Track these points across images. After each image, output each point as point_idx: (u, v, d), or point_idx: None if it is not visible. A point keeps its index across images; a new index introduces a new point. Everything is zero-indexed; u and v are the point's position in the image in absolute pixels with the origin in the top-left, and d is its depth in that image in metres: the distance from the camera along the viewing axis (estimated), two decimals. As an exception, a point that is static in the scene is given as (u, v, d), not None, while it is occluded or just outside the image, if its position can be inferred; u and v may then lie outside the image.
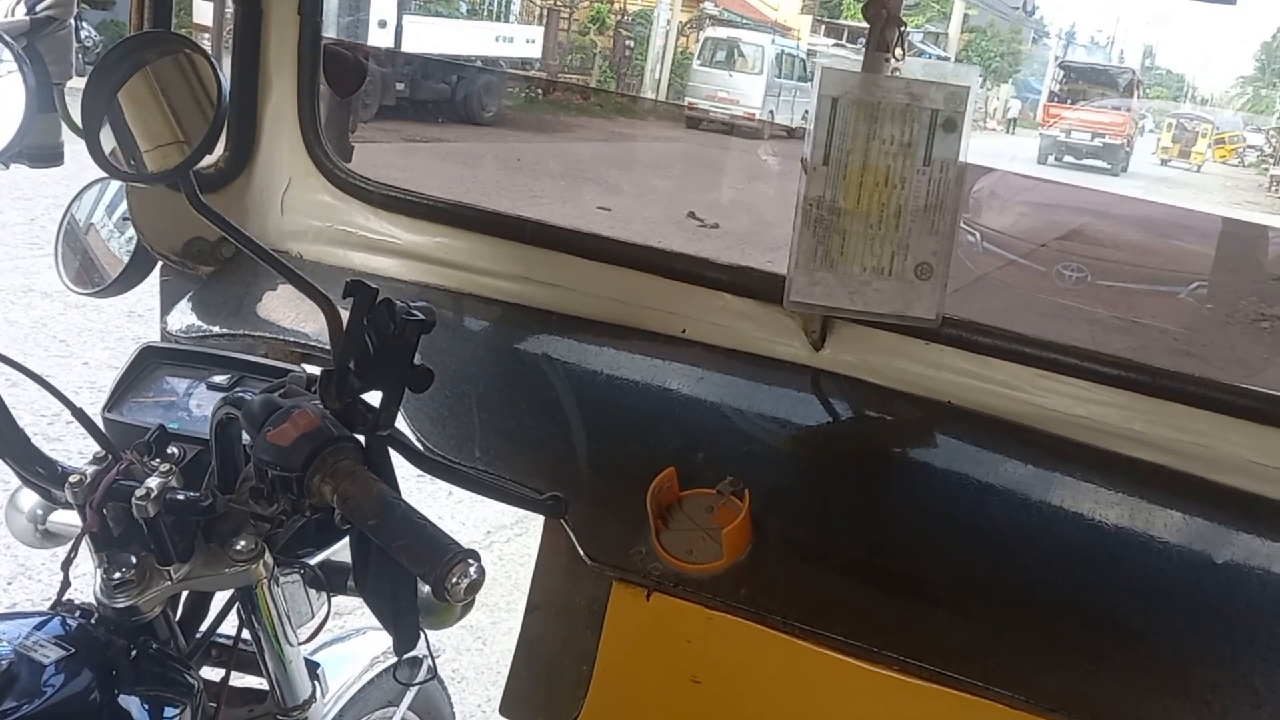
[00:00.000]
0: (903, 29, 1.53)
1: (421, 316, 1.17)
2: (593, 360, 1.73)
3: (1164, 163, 28.12)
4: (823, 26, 33.60)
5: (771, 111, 21.67)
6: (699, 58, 23.62)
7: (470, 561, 1.05)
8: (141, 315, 5.79)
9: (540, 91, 20.20)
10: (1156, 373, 1.53)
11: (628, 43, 26.03)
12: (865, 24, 1.53)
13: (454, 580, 1.04)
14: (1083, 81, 27.24)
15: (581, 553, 1.50)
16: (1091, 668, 1.37)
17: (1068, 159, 24.12)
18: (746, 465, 1.54)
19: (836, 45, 28.05)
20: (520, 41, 21.39)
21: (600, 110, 20.20)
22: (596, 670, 1.55)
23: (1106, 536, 1.46)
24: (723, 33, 24.88)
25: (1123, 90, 27.28)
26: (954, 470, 1.58)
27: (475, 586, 1.05)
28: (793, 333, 1.66)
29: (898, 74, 1.52)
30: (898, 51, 1.52)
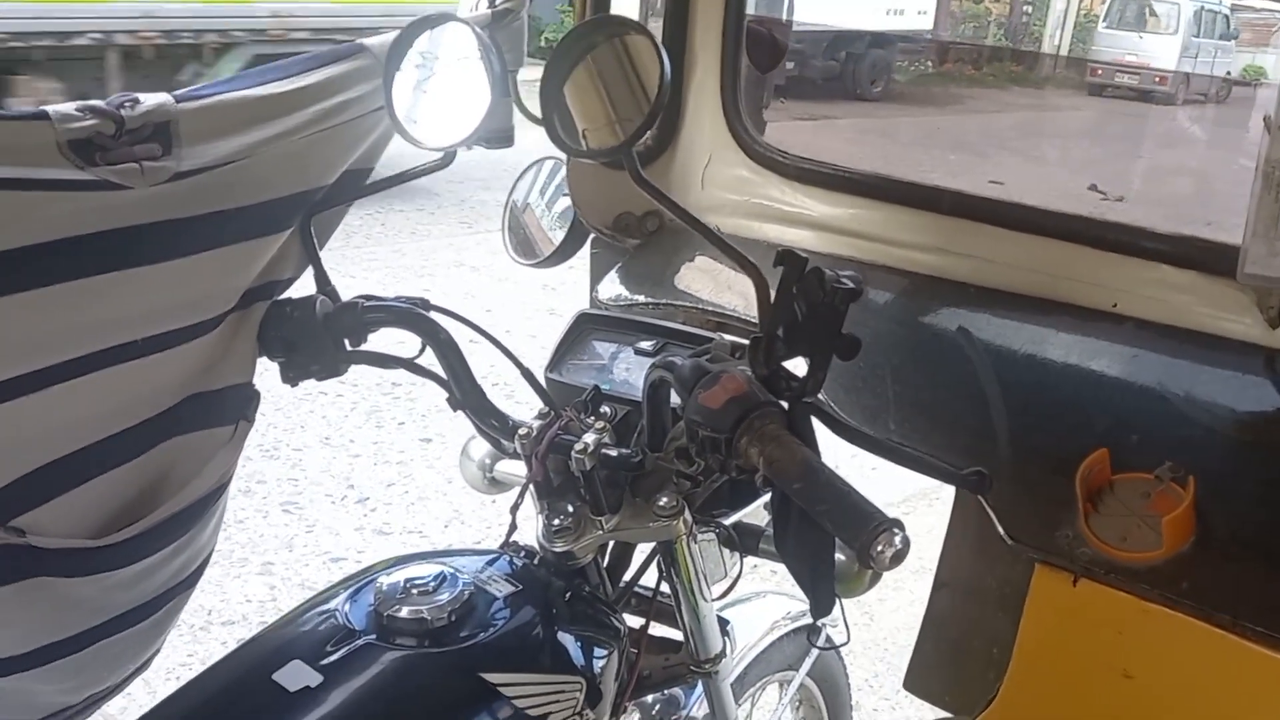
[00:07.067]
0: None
1: (851, 285, 1.17)
2: (1012, 335, 1.65)
3: None
4: (1252, -24, 30.19)
5: (1187, 75, 19.89)
6: (1105, 19, 21.99)
7: (896, 530, 1.03)
8: (554, 289, 6.25)
9: (930, 64, 19.61)
10: None
11: (1025, 7, 24.64)
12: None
13: (879, 548, 1.03)
14: None
15: (1002, 532, 1.44)
16: None
17: None
18: (1187, 451, 1.41)
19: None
20: (911, 13, 20.81)
21: (994, 80, 19.31)
22: (1016, 654, 1.49)
23: None
24: (1135, -10, 23.01)
25: None
26: None
27: (900, 556, 1.04)
28: (1244, 308, 1.50)
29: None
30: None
